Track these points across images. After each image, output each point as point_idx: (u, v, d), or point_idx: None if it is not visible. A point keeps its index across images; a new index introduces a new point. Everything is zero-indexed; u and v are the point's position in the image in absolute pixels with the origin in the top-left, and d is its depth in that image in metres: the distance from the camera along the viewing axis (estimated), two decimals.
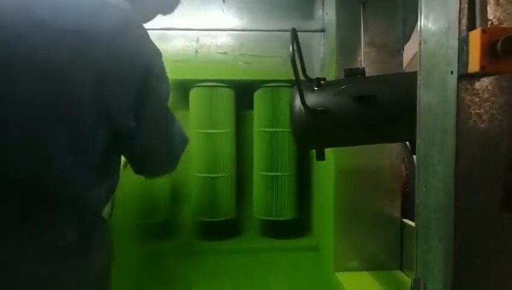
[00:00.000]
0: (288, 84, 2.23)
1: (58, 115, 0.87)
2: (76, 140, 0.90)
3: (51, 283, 0.91)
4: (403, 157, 2.07)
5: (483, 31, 0.69)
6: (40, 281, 0.89)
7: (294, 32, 1.40)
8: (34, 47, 0.84)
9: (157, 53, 1.01)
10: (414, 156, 1.83)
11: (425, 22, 1.07)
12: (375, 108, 1.40)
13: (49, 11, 0.86)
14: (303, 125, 1.43)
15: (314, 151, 2.11)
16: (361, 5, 1.84)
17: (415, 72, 1.51)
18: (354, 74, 1.56)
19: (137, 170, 1.12)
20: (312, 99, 1.44)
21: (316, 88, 1.48)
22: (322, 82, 1.50)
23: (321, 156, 1.55)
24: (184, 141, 1.21)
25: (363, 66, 1.76)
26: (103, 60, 0.88)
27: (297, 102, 1.43)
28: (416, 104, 1.12)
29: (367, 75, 1.86)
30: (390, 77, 1.64)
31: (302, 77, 1.49)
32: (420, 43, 1.11)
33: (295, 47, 1.40)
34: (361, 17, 1.85)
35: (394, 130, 1.46)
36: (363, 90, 1.39)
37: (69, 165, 0.90)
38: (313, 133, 1.46)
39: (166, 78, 1.04)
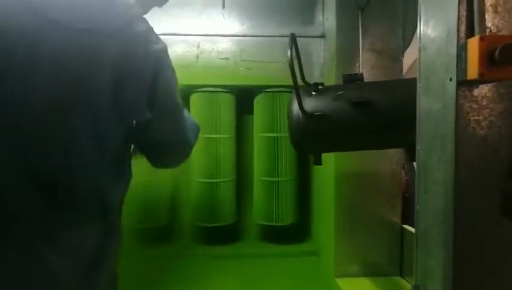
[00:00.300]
0: (289, 90, 2.23)
1: (81, 114, 0.88)
2: (99, 137, 0.91)
3: (72, 282, 0.91)
4: (403, 163, 2.07)
5: (482, 39, 0.69)
6: (63, 280, 0.90)
7: (293, 38, 1.41)
8: (51, 48, 0.85)
9: (164, 44, 1.02)
10: (414, 162, 1.83)
11: (424, 28, 1.08)
12: (373, 114, 1.40)
13: (61, 12, 0.87)
14: (301, 129, 1.44)
15: (311, 156, 2.12)
16: (360, 11, 1.85)
17: (413, 79, 1.51)
18: (353, 80, 1.57)
19: (153, 162, 1.13)
20: (310, 104, 1.45)
21: (314, 93, 1.49)
22: (320, 87, 1.51)
23: (318, 161, 1.56)
24: (196, 130, 1.23)
25: (361, 71, 1.77)
26: (118, 55, 0.89)
27: (295, 107, 1.44)
28: (414, 111, 1.12)
29: (367, 80, 1.87)
30: (389, 83, 1.64)
31: (300, 82, 1.50)
32: (420, 50, 1.12)
33: (294, 52, 1.41)
34: (360, 23, 1.86)
35: (392, 136, 1.47)
36: (361, 95, 1.40)
37: (94, 163, 0.92)
38: (311, 137, 1.46)
39: (173, 69, 1.06)
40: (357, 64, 1.80)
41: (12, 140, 0.85)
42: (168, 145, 1.08)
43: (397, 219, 1.98)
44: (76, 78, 0.87)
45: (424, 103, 1.09)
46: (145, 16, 1.07)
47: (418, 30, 1.13)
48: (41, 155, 0.87)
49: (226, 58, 2.24)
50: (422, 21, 1.09)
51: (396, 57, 2.01)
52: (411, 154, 1.49)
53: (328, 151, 1.70)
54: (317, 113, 1.41)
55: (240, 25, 2.25)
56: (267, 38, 2.23)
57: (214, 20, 2.23)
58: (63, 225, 0.91)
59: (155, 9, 2.17)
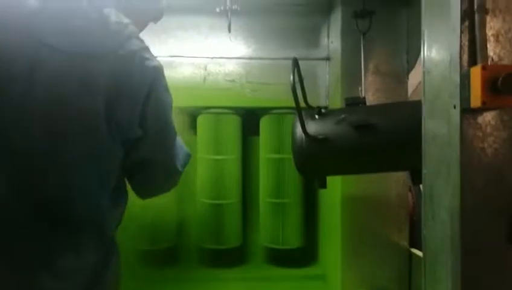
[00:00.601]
0: (295, 111, 2.24)
1: (78, 140, 0.89)
2: (97, 162, 0.91)
3: None
4: (410, 186, 2.06)
5: (484, 68, 0.70)
6: None
7: (295, 62, 1.43)
8: (47, 74, 0.86)
9: (158, 64, 1.00)
10: (420, 185, 1.82)
11: (428, 53, 1.09)
12: (375, 137, 1.41)
13: (56, 36, 0.88)
14: (304, 152, 1.45)
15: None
16: (362, 35, 1.88)
17: (415, 101, 1.52)
18: (355, 103, 1.58)
19: (136, 187, 1.10)
20: (313, 127, 1.46)
21: (317, 116, 1.50)
22: (323, 111, 1.52)
23: (322, 185, 1.56)
24: (185, 158, 1.19)
25: (363, 95, 1.78)
26: (110, 76, 0.89)
27: (299, 130, 1.45)
28: (415, 134, 1.12)
29: (372, 103, 1.88)
30: (390, 106, 1.65)
31: (303, 105, 1.52)
32: (424, 74, 1.13)
33: (296, 76, 1.43)
34: (362, 47, 1.89)
35: (394, 159, 1.47)
36: (363, 119, 1.41)
37: (92, 188, 0.92)
38: (314, 160, 1.47)
39: (169, 91, 1.05)
40: (360, 88, 1.81)
41: (10, 167, 0.86)
42: (153, 167, 1.05)
43: (405, 243, 1.95)
44: (72, 104, 0.87)
45: (429, 127, 1.09)
46: (150, 30, 1.09)
47: (422, 54, 1.14)
48: (40, 183, 0.88)
49: (233, 80, 2.27)
50: (425, 46, 1.10)
51: (401, 79, 2.02)
52: (414, 177, 1.48)
53: (332, 175, 1.71)
54: (320, 137, 1.42)
55: (246, 48, 2.29)
56: (273, 60, 2.25)
57: (221, 43, 2.27)
58: (60, 250, 0.91)
59: (162, 32, 2.23)
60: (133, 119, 0.93)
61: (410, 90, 2.06)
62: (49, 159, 0.88)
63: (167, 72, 2.23)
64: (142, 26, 1.18)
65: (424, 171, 1.15)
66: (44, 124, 0.87)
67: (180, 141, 1.15)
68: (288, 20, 2.27)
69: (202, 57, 2.25)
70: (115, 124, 0.91)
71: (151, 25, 2.29)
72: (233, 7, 1.91)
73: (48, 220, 0.89)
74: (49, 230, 0.89)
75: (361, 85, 1.85)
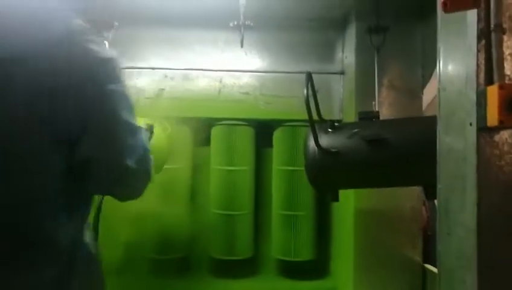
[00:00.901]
0: (308, 124, 2.26)
1: (20, 148, 0.86)
2: (42, 171, 0.88)
3: None
4: (424, 200, 2.05)
5: (501, 87, 0.71)
6: None
7: (309, 76, 1.45)
8: None
9: (107, 57, 0.94)
10: (434, 200, 1.81)
11: (444, 70, 1.10)
12: (387, 151, 1.42)
13: None
14: (316, 165, 1.46)
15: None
16: (376, 51, 1.90)
17: (428, 117, 1.52)
18: (368, 117, 1.59)
19: (96, 190, 1.03)
20: (326, 141, 1.48)
21: (330, 130, 1.52)
22: (336, 124, 1.54)
23: (335, 198, 1.56)
24: (144, 159, 1.05)
25: (376, 109, 1.79)
26: (39, 75, 0.86)
27: (311, 143, 1.47)
28: (428, 148, 1.13)
29: (387, 117, 1.89)
30: (403, 121, 1.66)
31: (316, 117, 1.53)
32: (439, 90, 1.13)
33: (310, 90, 1.45)
34: (376, 62, 1.90)
35: (406, 173, 1.47)
36: (375, 133, 1.42)
37: (34, 205, 0.88)
38: (327, 174, 1.48)
39: (121, 84, 0.97)
40: (373, 103, 1.82)
41: None
42: (100, 166, 0.96)
43: (418, 258, 1.94)
44: (12, 113, 0.85)
45: (444, 143, 1.09)
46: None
47: (438, 71, 1.15)
48: None
49: (247, 93, 2.30)
50: (441, 63, 1.11)
51: (415, 94, 2.03)
52: (427, 192, 1.48)
53: (344, 188, 1.71)
54: (332, 150, 1.43)
55: (260, 61, 2.32)
56: (287, 74, 2.28)
57: (236, 57, 2.30)
58: (19, 268, 0.88)
59: (181, 46, 2.28)
60: (74, 114, 0.89)
61: (424, 105, 2.06)
62: None
63: (184, 85, 2.28)
64: (104, 24, 1.13)
65: (438, 186, 1.15)
66: None
67: (141, 141, 1.05)
68: (302, 34, 2.30)
69: (218, 70, 2.29)
70: (57, 124, 0.88)
71: (172, 39, 2.36)
72: (246, 22, 1.95)
73: (3, 239, 0.88)
74: (5, 248, 0.88)
75: (374, 99, 1.86)
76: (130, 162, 0.99)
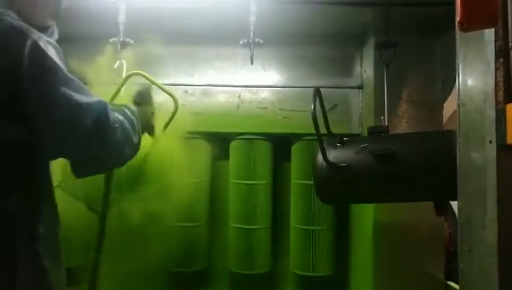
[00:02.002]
0: (325, 139, 2.27)
1: None
2: None
3: None
4: (446, 216, 2.01)
5: None
6: None
7: (317, 92, 1.47)
8: None
9: (30, 42, 0.93)
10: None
11: (463, 86, 1.10)
12: (396, 166, 1.40)
13: None
14: (324, 180, 1.47)
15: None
16: (385, 66, 1.90)
17: (439, 131, 1.51)
18: (377, 132, 1.59)
19: (50, 152, 1.00)
20: (334, 155, 1.48)
21: (338, 145, 1.52)
22: (345, 139, 1.54)
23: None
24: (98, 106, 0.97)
25: (386, 124, 1.79)
26: None
27: (319, 157, 1.47)
28: (438, 164, 1.12)
29: (406, 132, 1.88)
30: (413, 136, 1.65)
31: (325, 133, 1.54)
32: (459, 106, 1.14)
33: (318, 105, 1.47)
34: (385, 76, 1.91)
35: (416, 189, 1.45)
36: (384, 148, 1.41)
37: None
38: (334, 188, 1.48)
39: (47, 58, 0.95)
40: (382, 117, 1.82)
41: None
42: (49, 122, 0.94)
43: (440, 275, 1.90)
44: None
45: (464, 159, 1.09)
46: None
47: (457, 86, 1.15)
48: None
49: (265, 108, 2.33)
50: (460, 79, 1.12)
51: (435, 108, 2.02)
52: (438, 208, 1.46)
53: (352, 203, 1.71)
54: (341, 165, 1.43)
55: (279, 77, 2.35)
56: (305, 88, 2.30)
57: (255, 72, 2.34)
58: None
59: (202, 61, 2.33)
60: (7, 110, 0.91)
61: (444, 119, 2.04)
62: None
63: (204, 100, 2.32)
64: (36, 16, 1.10)
65: (459, 203, 1.14)
66: None
67: (95, 98, 1.00)
68: (320, 49, 2.33)
69: (237, 85, 2.33)
70: None
71: (192, 56, 2.42)
72: (256, 40, 1.99)
73: None
74: None
75: (384, 114, 1.85)
76: (86, 120, 0.94)
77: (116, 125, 1.02)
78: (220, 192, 2.44)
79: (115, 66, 1.79)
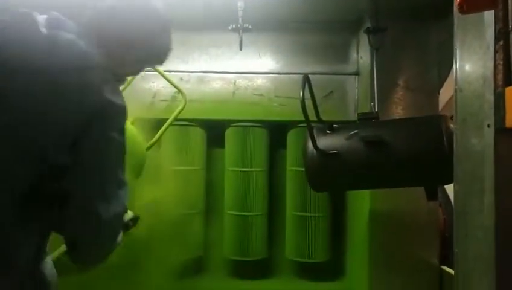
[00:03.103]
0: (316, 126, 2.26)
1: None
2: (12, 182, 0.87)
3: None
4: (440, 202, 2.03)
5: None
6: None
7: (305, 79, 1.45)
8: None
9: (119, 103, 0.94)
10: (452, 201, 1.78)
11: (460, 71, 1.09)
12: (385, 152, 1.40)
13: None
14: (314, 167, 1.47)
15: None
16: (375, 51, 1.88)
17: (429, 116, 1.50)
18: (367, 118, 1.58)
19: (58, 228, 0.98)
20: (324, 142, 1.47)
21: (328, 132, 1.52)
22: (335, 126, 1.53)
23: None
24: (119, 217, 1.02)
25: (376, 110, 1.78)
26: (37, 98, 0.86)
27: (309, 144, 1.47)
28: (426, 149, 1.11)
29: (402, 118, 1.87)
30: (403, 122, 1.64)
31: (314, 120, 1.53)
32: (456, 91, 1.13)
33: (307, 92, 1.45)
34: (374, 62, 1.89)
35: (406, 175, 1.45)
36: (373, 134, 1.41)
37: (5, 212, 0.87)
38: (324, 174, 1.48)
39: (120, 137, 0.96)
40: (372, 104, 1.81)
41: None
42: (73, 201, 0.94)
43: (435, 260, 1.92)
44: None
45: (461, 145, 1.08)
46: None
47: (454, 72, 1.14)
48: None
49: (261, 95, 2.31)
50: (458, 64, 1.10)
51: (431, 94, 2.01)
52: (428, 193, 1.46)
53: (343, 189, 1.71)
54: (330, 152, 1.43)
55: (274, 63, 2.33)
56: (301, 75, 2.27)
57: (250, 59, 2.32)
58: None
59: (197, 49, 2.30)
60: (60, 146, 0.88)
61: (441, 105, 2.04)
62: None
63: (199, 87, 2.30)
64: (128, 66, 1.09)
65: (455, 188, 1.14)
66: None
67: (123, 195, 1.02)
68: (316, 36, 2.30)
69: (232, 72, 2.31)
70: (36, 146, 0.87)
71: (187, 42, 2.38)
72: (245, 25, 1.96)
73: None
74: None
75: (378, 100, 1.84)
76: (104, 212, 0.94)
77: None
78: (216, 179, 2.43)
79: None
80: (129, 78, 1.56)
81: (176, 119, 2.11)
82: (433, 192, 1.43)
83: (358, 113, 1.64)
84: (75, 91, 0.89)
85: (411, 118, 1.84)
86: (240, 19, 1.96)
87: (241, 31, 1.97)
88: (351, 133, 1.47)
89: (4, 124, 0.86)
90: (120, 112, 0.94)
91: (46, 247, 1.00)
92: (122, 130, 0.96)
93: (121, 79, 1.11)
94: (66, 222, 0.95)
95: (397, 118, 1.95)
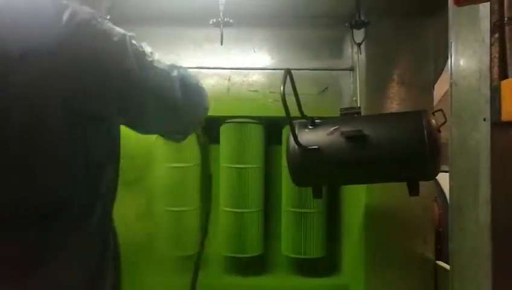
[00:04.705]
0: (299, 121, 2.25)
1: (38, 138, 0.85)
2: (60, 153, 0.88)
3: None
4: (436, 197, 2.03)
5: None
6: None
7: (287, 73, 1.44)
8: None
9: (117, 35, 0.93)
10: (447, 196, 1.78)
11: (455, 65, 1.09)
12: (366, 148, 1.39)
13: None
14: (296, 162, 1.46)
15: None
16: (358, 46, 1.88)
17: (413, 112, 1.50)
18: (350, 113, 1.58)
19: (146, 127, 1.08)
20: (306, 137, 1.46)
21: (310, 127, 1.51)
22: (317, 121, 1.53)
23: (317, 194, 1.56)
24: (192, 88, 1.14)
25: (358, 105, 1.78)
26: (52, 64, 0.84)
27: (291, 140, 1.46)
28: (409, 145, 1.11)
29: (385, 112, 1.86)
30: (386, 117, 1.64)
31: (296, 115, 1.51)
32: (451, 86, 1.12)
33: (289, 87, 1.44)
34: (358, 58, 1.89)
35: (388, 170, 1.44)
36: (355, 130, 1.40)
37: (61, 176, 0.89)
38: (306, 170, 1.47)
39: (145, 56, 0.99)
40: (354, 99, 1.81)
41: None
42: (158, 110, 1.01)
43: (430, 255, 1.92)
44: (25, 106, 0.84)
45: (456, 139, 1.08)
46: None
47: (449, 66, 1.14)
48: (18, 186, 0.87)
49: (256, 91, 2.30)
50: (453, 58, 1.10)
51: (426, 89, 2.01)
52: (411, 189, 1.46)
53: (326, 185, 1.71)
54: (310, 147, 1.42)
55: (270, 59, 2.31)
56: (296, 71, 2.25)
57: (245, 54, 2.30)
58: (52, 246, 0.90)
59: (192, 43, 2.28)
60: (102, 101, 0.90)
61: (436, 100, 2.04)
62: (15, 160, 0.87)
63: None
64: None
65: (450, 183, 1.14)
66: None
67: (181, 73, 1.10)
68: (311, 31, 2.29)
69: (227, 68, 2.29)
70: (82, 113, 0.88)
71: (180, 37, 2.35)
72: (226, 19, 1.93)
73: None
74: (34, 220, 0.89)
75: (356, 96, 1.84)
76: (177, 94, 1.04)
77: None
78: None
79: None
80: None
81: None
82: (415, 187, 1.43)
83: (340, 108, 1.63)
84: (78, 52, 0.87)
85: (393, 113, 1.83)
86: (221, 13, 1.93)
87: (222, 26, 1.95)
88: (332, 128, 1.46)
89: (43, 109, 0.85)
90: (127, 42, 0.94)
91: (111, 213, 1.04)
92: (144, 54, 0.99)
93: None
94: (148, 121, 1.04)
95: (379, 113, 1.94)
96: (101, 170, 0.98)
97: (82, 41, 0.87)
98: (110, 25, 0.94)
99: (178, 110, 1.06)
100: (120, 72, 0.92)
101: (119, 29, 0.95)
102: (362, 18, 1.88)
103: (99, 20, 0.91)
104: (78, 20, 0.87)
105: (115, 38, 0.91)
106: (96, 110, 0.91)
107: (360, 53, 1.86)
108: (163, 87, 1.03)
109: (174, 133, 1.22)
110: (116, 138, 1.03)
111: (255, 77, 2.30)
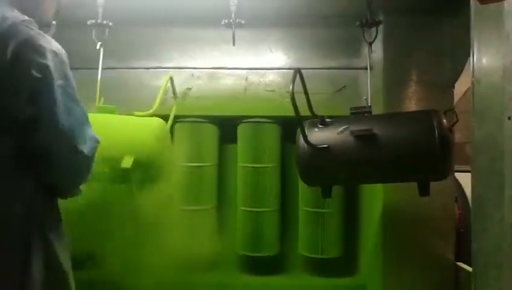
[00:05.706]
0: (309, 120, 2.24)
1: None
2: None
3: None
4: (456, 197, 2.00)
5: None
6: None
7: (296, 73, 1.44)
8: None
9: (52, 51, 0.99)
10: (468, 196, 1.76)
11: (478, 63, 1.07)
12: (377, 147, 1.38)
13: None
14: (305, 161, 1.46)
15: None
16: (369, 45, 1.86)
17: (423, 111, 1.48)
18: (360, 113, 1.57)
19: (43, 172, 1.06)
20: (316, 137, 1.46)
21: (320, 126, 1.50)
22: (327, 120, 1.52)
23: (326, 194, 1.55)
24: (95, 148, 1.09)
25: (369, 104, 1.76)
26: None
27: (301, 139, 1.46)
28: (418, 144, 1.09)
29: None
30: (396, 116, 1.62)
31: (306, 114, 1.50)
32: (473, 84, 1.11)
33: (300, 87, 1.44)
34: (369, 57, 1.87)
35: (398, 170, 1.42)
36: (364, 129, 1.39)
37: None
38: (316, 169, 1.47)
39: (65, 79, 1.02)
40: (364, 98, 1.79)
41: None
42: (59, 152, 1.02)
43: (451, 256, 1.89)
44: None
45: (479, 138, 1.07)
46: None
47: (471, 64, 1.12)
48: None
49: (273, 90, 2.30)
50: (475, 56, 1.09)
51: (445, 88, 1.98)
52: (421, 189, 1.43)
53: (335, 184, 1.69)
54: (320, 146, 1.41)
55: (286, 58, 2.32)
56: (313, 70, 2.26)
57: (261, 54, 2.31)
58: None
59: (207, 44, 2.30)
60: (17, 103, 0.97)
61: (456, 98, 2.01)
62: None
63: (211, 84, 2.31)
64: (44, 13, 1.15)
65: (472, 182, 1.13)
66: None
67: (89, 129, 1.09)
68: (328, 31, 2.28)
69: (243, 68, 2.30)
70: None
71: (198, 39, 2.38)
72: (237, 20, 1.94)
73: None
74: None
75: (366, 95, 1.82)
76: (85, 149, 1.04)
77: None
78: (228, 176, 2.43)
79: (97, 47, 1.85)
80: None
81: (186, 116, 2.11)
82: (426, 187, 1.41)
83: (351, 108, 1.62)
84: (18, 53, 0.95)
85: (403, 112, 1.81)
86: (233, 14, 1.94)
87: (234, 27, 1.96)
88: (342, 127, 1.45)
89: None
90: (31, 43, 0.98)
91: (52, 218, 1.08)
92: (65, 74, 1.03)
93: (48, 25, 1.18)
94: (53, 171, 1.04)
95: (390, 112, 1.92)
96: None
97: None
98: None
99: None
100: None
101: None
102: (375, 17, 1.86)
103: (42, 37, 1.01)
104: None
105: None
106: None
107: (372, 52, 1.84)
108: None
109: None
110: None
111: (272, 77, 2.31)
